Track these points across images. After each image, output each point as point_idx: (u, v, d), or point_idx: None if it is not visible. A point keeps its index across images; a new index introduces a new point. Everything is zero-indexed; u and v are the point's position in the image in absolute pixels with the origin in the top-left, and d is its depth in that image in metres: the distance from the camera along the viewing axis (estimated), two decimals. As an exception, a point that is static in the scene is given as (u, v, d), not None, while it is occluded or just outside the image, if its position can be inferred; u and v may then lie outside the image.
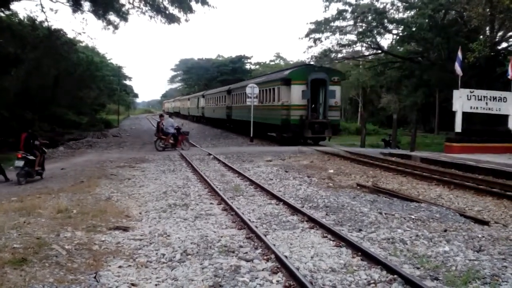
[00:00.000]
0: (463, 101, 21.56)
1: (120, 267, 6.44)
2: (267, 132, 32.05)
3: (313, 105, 26.56)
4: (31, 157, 14.94)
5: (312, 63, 36.43)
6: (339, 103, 28.77)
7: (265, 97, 30.48)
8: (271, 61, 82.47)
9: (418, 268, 6.44)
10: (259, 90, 29.89)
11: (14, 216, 8.73)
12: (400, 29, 35.09)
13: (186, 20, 30.60)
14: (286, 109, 26.53)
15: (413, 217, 9.45)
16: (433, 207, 10.57)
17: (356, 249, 7.08)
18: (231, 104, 39.20)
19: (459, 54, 21.73)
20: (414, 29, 31.85)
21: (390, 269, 6.13)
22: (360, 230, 8.41)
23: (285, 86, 26.73)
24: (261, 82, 32.55)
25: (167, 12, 30.24)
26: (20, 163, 14.47)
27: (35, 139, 15.74)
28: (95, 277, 5.90)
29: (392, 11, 34.49)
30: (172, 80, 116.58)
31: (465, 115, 21.98)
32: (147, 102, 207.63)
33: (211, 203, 10.90)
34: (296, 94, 26.18)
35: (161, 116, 27.21)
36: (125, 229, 8.43)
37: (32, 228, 7.83)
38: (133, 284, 5.81)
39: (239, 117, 35.72)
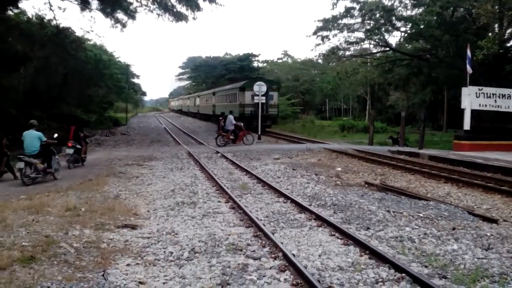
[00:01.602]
0: (472, 99, 21.43)
1: (128, 265, 6.46)
2: None
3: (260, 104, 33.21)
4: (79, 146, 17.44)
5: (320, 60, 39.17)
6: (276, 103, 39.57)
7: (229, 98, 43.54)
8: (278, 59, 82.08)
9: (426, 267, 6.43)
10: (223, 95, 44.82)
11: (23, 214, 8.79)
12: (408, 26, 34.79)
13: (194, 18, 30.59)
14: (242, 107, 38.07)
15: (421, 215, 9.43)
16: (441, 205, 10.54)
17: (364, 247, 7.07)
18: (215, 103, 50.72)
19: (468, 52, 21.60)
20: (422, 26, 31.55)
21: (398, 268, 6.12)
22: (368, 228, 8.40)
23: (241, 92, 38.79)
24: (226, 89, 46.85)
25: (175, 10, 30.26)
26: (70, 151, 16.91)
27: (81, 131, 18.19)
28: (103, 275, 5.92)
29: (400, 8, 34.23)
30: (180, 78, 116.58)
31: (474, 112, 21.86)
32: (155, 100, 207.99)
33: (219, 201, 10.92)
34: (248, 97, 37.40)
35: (221, 114, 28.95)
36: (133, 227, 8.45)
37: (40, 226, 7.88)
38: (141, 282, 5.82)
39: (218, 111, 43.01)
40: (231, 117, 26.79)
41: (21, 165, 13.36)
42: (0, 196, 11.14)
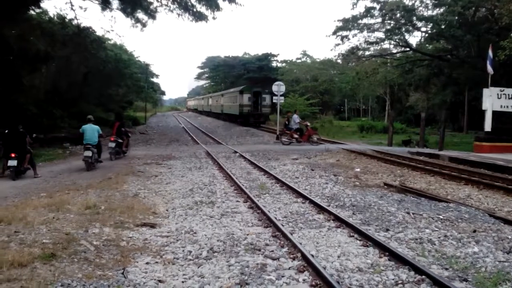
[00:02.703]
0: (493, 100, 21.19)
1: (147, 263, 6.49)
2: (227, 117, 54.56)
3: (254, 105, 45.77)
4: (120, 140, 19.72)
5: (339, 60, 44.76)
6: (269, 103, 45.93)
7: (232, 100, 50.86)
8: (297, 58, 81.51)
9: (446, 269, 6.36)
10: (228, 97, 54.15)
11: (44, 211, 8.87)
12: (429, 26, 34.48)
13: (214, 18, 30.62)
14: (240, 107, 46.26)
15: (441, 217, 9.33)
16: (462, 207, 10.42)
17: (383, 249, 7.02)
18: (223, 103, 58.12)
19: (490, 52, 21.36)
20: (443, 26, 31.25)
21: (418, 270, 6.06)
22: (387, 229, 8.34)
23: (240, 94, 46.39)
24: (231, 92, 54.29)
25: (195, 9, 30.32)
26: (113, 145, 19.05)
27: (123, 127, 20.54)
28: (122, 273, 5.95)
29: (421, 8, 33.92)
30: (199, 77, 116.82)
31: (495, 114, 21.58)
32: (174, 99, 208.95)
33: (237, 201, 10.93)
34: (246, 98, 45.76)
35: (287, 112, 29.81)
36: (152, 225, 8.50)
37: (61, 224, 7.94)
38: (160, 281, 5.84)
39: (227, 111, 54.58)
40: (295, 116, 26.84)
41: (88, 153, 16.12)
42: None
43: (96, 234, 7.55)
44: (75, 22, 32.54)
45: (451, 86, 40.97)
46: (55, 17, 34.00)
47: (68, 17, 33.32)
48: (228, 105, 53.48)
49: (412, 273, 6.05)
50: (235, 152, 21.57)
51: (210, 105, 72.80)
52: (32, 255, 6.15)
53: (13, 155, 13.95)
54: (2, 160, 14.58)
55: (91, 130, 16.69)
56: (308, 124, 27.75)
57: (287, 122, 26.94)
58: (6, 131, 14.50)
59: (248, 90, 46.32)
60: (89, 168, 16.15)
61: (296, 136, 25.92)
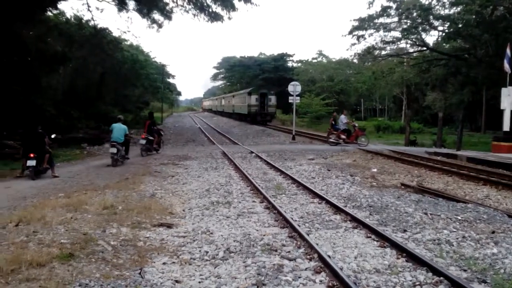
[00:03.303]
0: (512, 99, 20.96)
1: (164, 263, 6.51)
2: (238, 116, 59.08)
3: (261, 105, 50.53)
4: (151, 138, 21.16)
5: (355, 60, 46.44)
6: (274, 104, 52.11)
7: (242, 100, 55.74)
8: (313, 58, 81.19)
9: (465, 270, 6.30)
10: (238, 98, 59.39)
11: (62, 211, 8.93)
12: (446, 25, 34.30)
13: (229, 18, 30.73)
14: (249, 107, 51.32)
15: (459, 218, 9.24)
16: (480, 208, 10.31)
17: (400, 249, 6.97)
18: (234, 104, 63.01)
19: (508, 51, 21.13)
20: (460, 25, 31.02)
21: (436, 271, 6.00)
22: (404, 230, 8.28)
23: (248, 95, 51.64)
24: (240, 93, 59.97)
25: (210, 10, 30.44)
26: (143, 142, 20.75)
27: (154, 125, 21.90)
28: (140, 273, 5.98)
29: (437, 7, 33.73)
30: (214, 78, 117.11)
31: (513, 113, 21.35)
32: (189, 99, 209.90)
33: (253, 201, 10.92)
34: (253, 99, 50.83)
35: (333, 112, 29.94)
36: (169, 226, 8.53)
37: (78, 224, 8.00)
38: (177, 281, 5.85)
39: (238, 111, 59.24)
40: (343, 116, 26.75)
41: (114, 150, 17.40)
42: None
43: (114, 234, 7.60)
44: (91, 23, 32.91)
45: (469, 86, 40.58)
46: (72, 18, 34.38)
47: (85, 18, 33.79)
48: (238, 105, 58.68)
49: (430, 274, 5.99)
50: (251, 152, 21.58)
51: (223, 105, 77.31)
52: (51, 255, 6.20)
53: (32, 155, 14.14)
54: (22, 160, 14.77)
55: (118, 129, 17.95)
56: (356, 124, 27.40)
57: (333, 122, 26.76)
58: (21, 131, 14.78)
59: (255, 92, 51.71)
60: (115, 164, 17.36)
61: (343, 136, 25.63)
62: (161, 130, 23.96)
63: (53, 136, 15.90)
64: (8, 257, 6.03)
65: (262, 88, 54.80)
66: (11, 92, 22.35)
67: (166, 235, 7.92)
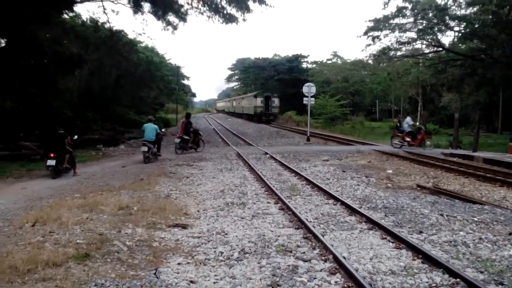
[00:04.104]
0: (529, 100, 20.75)
1: (179, 264, 6.53)
2: (246, 116, 65.33)
3: (266, 106, 57.31)
4: (186, 137, 22.53)
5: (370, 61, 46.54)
6: (277, 105, 59.90)
7: (249, 102, 62.26)
8: (328, 59, 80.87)
9: (481, 272, 6.23)
10: (246, 99, 66.45)
11: (77, 212, 9.01)
12: (462, 26, 34.02)
13: (244, 20, 30.81)
14: (255, 108, 58.23)
15: (476, 219, 9.15)
16: (497, 209, 10.22)
17: (416, 251, 6.92)
18: (243, 105, 69.22)
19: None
20: (477, 25, 30.77)
21: (452, 273, 5.95)
22: (420, 232, 8.22)
23: (254, 98, 58.87)
24: (248, 96, 67.05)
25: (225, 12, 30.49)
26: (177, 140, 22.35)
27: (191, 125, 23.12)
28: (155, 274, 6.00)
29: (453, 7, 33.51)
30: (229, 79, 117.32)
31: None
32: (204, 101, 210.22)
33: (268, 202, 10.91)
34: (259, 101, 58.02)
35: (397, 114, 29.02)
36: (184, 226, 8.55)
37: (94, 224, 8.06)
38: (192, 281, 5.86)
39: (246, 111, 65.77)
40: (408, 118, 26.48)
41: (145, 148, 18.82)
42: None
43: (129, 234, 7.64)
44: (107, 25, 33.11)
45: (485, 86, 40.20)
46: (88, 21, 34.64)
47: (101, 20, 34.00)
48: (246, 106, 65.54)
49: (446, 276, 5.95)
50: (266, 153, 21.56)
51: (234, 107, 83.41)
52: (67, 255, 6.25)
53: (52, 155, 14.62)
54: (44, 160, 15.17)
55: (149, 129, 19.26)
56: (422, 127, 26.92)
57: (398, 124, 26.41)
58: (37, 132, 15.12)
59: (261, 94, 58.97)
60: (146, 161, 18.67)
61: (408, 139, 25.09)
62: (199, 130, 25.10)
63: (75, 137, 16.18)
64: (24, 257, 6.10)
65: (269, 91, 61.95)
66: (28, 94, 22.58)
67: (181, 236, 7.94)
